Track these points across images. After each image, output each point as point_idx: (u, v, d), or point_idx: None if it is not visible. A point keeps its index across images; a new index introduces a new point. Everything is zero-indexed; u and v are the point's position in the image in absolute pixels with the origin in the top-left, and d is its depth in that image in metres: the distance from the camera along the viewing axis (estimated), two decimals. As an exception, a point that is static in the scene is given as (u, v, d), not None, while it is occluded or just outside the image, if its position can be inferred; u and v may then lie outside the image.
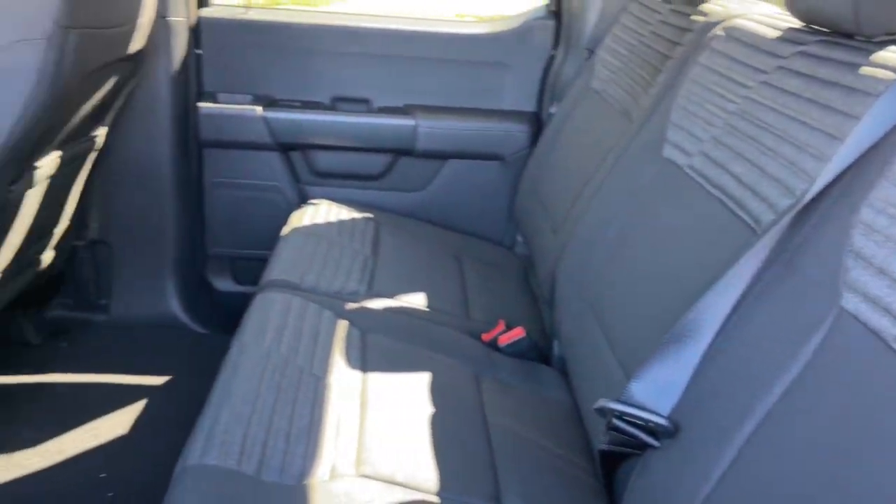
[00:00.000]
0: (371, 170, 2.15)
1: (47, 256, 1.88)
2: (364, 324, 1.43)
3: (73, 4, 1.30)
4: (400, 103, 2.11)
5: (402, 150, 2.11)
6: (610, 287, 1.26)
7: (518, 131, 2.10)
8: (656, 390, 0.92)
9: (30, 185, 1.54)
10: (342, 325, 1.39)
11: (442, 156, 2.13)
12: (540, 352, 1.55)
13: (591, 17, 1.93)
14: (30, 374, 1.89)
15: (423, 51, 2.09)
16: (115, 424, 1.75)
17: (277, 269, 1.59)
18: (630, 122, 1.48)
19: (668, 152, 1.25)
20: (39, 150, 1.52)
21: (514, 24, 2.11)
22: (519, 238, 2.13)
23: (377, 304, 1.54)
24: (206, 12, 2.03)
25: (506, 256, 2.05)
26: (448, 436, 1.17)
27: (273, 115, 2.04)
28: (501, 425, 1.24)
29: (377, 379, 1.27)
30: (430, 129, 2.08)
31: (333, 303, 1.47)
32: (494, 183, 2.16)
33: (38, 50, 1.28)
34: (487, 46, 2.10)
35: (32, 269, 1.84)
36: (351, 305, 1.49)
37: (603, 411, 0.94)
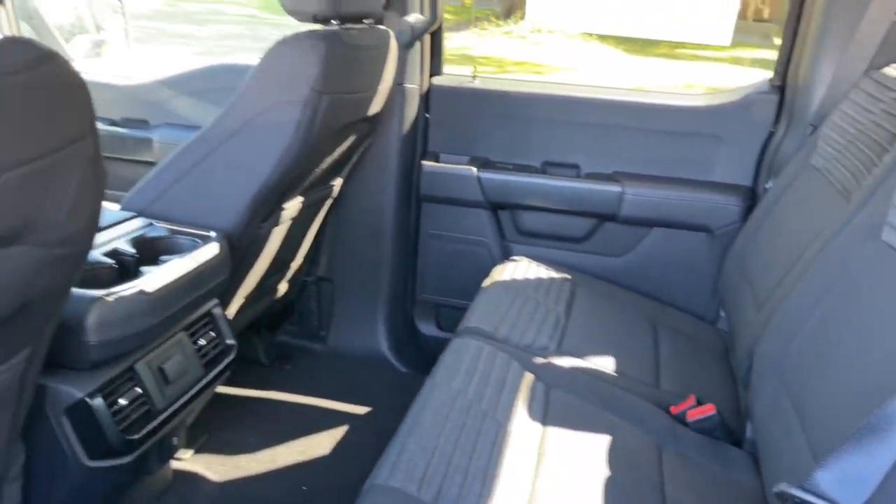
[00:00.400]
0: (574, 232, 2.21)
1: (282, 287, 2.15)
2: (550, 379, 1.47)
3: (327, 73, 1.53)
4: (608, 170, 2.15)
5: (606, 216, 2.15)
6: (809, 370, 1.20)
7: (729, 204, 2.05)
8: (845, 482, 0.86)
9: (276, 223, 1.79)
10: (528, 378, 1.45)
11: (646, 223, 2.13)
12: (731, 432, 1.49)
13: (818, 93, 1.86)
14: (257, 389, 2.15)
15: (634, 121, 2.13)
16: (320, 444, 1.94)
17: (474, 317, 1.69)
18: (848, 203, 1.40)
19: (888, 236, 1.17)
20: (288, 195, 1.77)
21: (734, 97, 2.08)
22: (722, 314, 2.06)
23: (565, 361, 1.58)
24: (437, 80, 2.25)
25: (706, 331, 1.99)
26: (621, 500, 1.17)
27: (487, 175, 2.18)
28: (679, 499, 1.21)
29: (556, 434, 1.31)
30: (635, 197, 2.10)
31: (522, 355, 1.54)
32: (700, 255, 2.11)
33: (296, 110, 1.51)
34: (703, 118, 2.09)
35: (269, 298, 2.11)
36: (539, 360, 1.55)
37: (783, 496, 0.90)
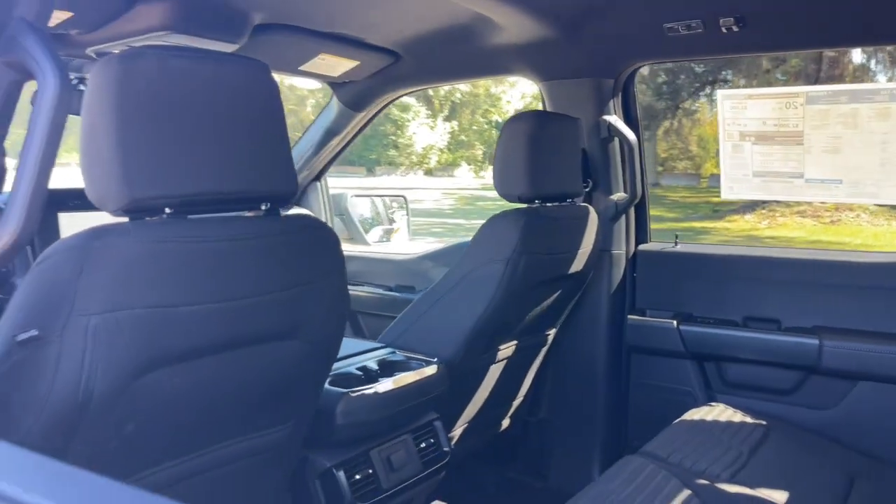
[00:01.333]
0: (779, 384, 2.28)
1: (504, 423, 2.51)
2: (709, 499, 1.61)
3: (525, 238, 1.97)
4: (809, 324, 2.24)
5: (806, 367, 2.21)
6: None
7: None
8: None
9: (493, 361, 2.21)
10: (684, 494, 1.61)
11: (852, 376, 2.15)
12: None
13: None
14: None
15: (836, 277, 2.22)
16: None
17: (652, 444, 1.88)
18: None
19: None
20: (500, 337, 2.19)
21: (937, 251, 2.10)
22: (943, 473, 1.95)
23: (732, 489, 1.69)
24: (643, 246, 2.58)
25: (918, 487, 1.91)
26: None
27: (688, 328, 2.40)
28: None
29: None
30: (837, 349, 2.15)
31: (686, 475, 1.69)
32: (913, 410, 2.06)
33: (499, 267, 1.97)
34: None
35: (493, 430, 2.48)
36: (702, 481, 1.69)
37: None
